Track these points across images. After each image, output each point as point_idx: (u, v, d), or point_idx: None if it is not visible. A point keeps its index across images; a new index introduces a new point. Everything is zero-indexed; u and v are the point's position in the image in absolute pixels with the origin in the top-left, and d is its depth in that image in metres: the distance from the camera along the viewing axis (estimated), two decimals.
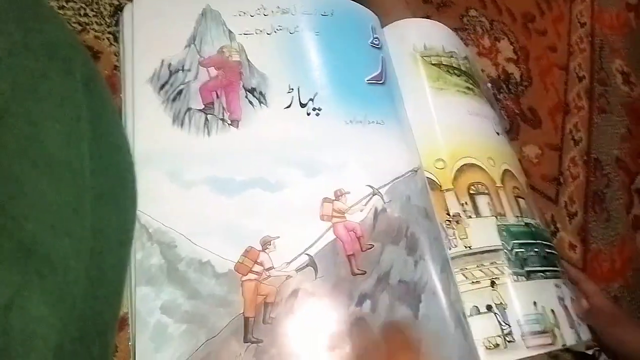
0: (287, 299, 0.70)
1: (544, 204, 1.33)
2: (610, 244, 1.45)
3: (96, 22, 0.84)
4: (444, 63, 0.96)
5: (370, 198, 0.78)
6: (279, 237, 0.72)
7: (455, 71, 0.96)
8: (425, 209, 0.81)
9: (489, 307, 0.78)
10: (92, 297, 0.48)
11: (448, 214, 0.83)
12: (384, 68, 0.88)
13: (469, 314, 0.77)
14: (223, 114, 0.77)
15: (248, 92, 0.79)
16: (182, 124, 0.75)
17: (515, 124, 1.35)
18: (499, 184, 0.88)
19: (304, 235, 0.74)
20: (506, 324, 0.77)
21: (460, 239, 0.81)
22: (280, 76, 0.81)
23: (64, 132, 0.49)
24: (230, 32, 0.81)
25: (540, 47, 1.56)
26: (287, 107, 0.79)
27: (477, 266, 0.80)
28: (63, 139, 0.49)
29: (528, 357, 0.78)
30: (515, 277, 0.81)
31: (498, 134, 0.96)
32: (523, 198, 0.92)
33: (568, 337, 0.83)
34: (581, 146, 1.51)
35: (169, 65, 0.78)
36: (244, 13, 0.83)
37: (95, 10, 0.84)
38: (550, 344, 0.80)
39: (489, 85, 1.31)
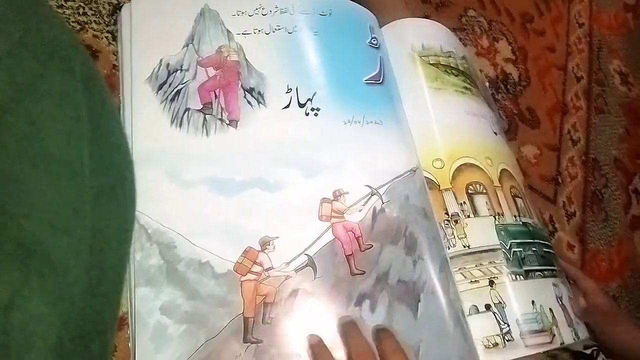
0: (287, 299, 0.70)
1: (542, 204, 1.33)
2: (608, 244, 1.45)
3: (95, 21, 0.84)
4: (442, 63, 0.96)
5: (369, 198, 0.78)
6: (278, 237, 0.72)
7: (453, 71, 0.96)
8: (423, 209, 0.81)
9: (487, 307, 0.78)
10: (92, 296, 0.48)
11: (446, 214, 0.83)
12: (382, 68, 0.88)
13: (467, 313, 0.77)
14: (221, 114, 0.77)
15: (246, 92, 0.79)
16: (180, 124, 0.75)
17: (514, 124, 1.35)
18: (496, 183, 0.89)
19: (303, 235, 0.74)
20: (505, 323, 0.78)
21: (459, 238, 0.82)
22: (279, 76, 0.81)
23: (63, 131, 0.49)
24: (228, 31, 0.81)
25: (539, 47, 1.56)
26: (286, 107, 0.79)
27: (476, 265, 0.80)
28: (63, 138, 0.49)
29: (527, 356, 0.78)
30: (513, 276, 0.81)
31: (496, 133, 0.97)
32: (521, 197, 0.92)
33: (566, 335, 0.83)
34: (579, 146, 1.50)
35: (168, 65, 0.78)
36: (243, 13, 0.83)
37: (94, 9, 0.84)
38: (549, 343, 0.80)
39: (487, 84, 1.31)
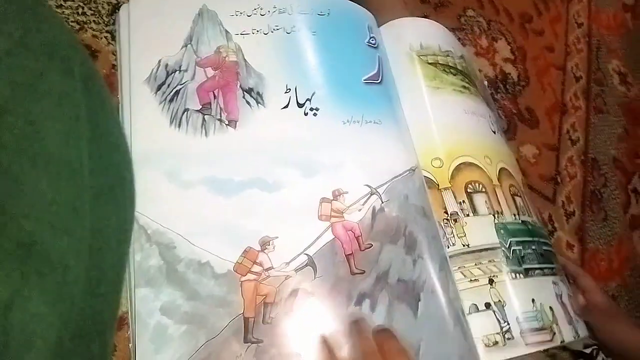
0: (287, 298, 0.70)
1: (542, 203, 1.33)
2: (608, 243, 1.45)
3: (94, 20, 0.84)
4: (440, 62, 0.96)
5: (369, 197, 0.78)
6: (277, 237, 0.72)
7: (452, 70, 0.96)
8: (423, 208, 0.81)
9: (487, 305, 0.78)
10: (91, 296, 0.48)
11: (446, 213, 0.83)
12: (381, 67, 0.88)
13: (467, 312, 0.77)
14: (220, 114, 0.77)
15: (245, 93, 0.79)
16: (179, 125, 0.75)
17: (513, 123, 1.35)
18: (495, 182, 0.89)
19: (303, 235, 0.74)
20: (505, 321, 0.78)
21: (459, 237, 0.82)
22: (278, 76, 0.80)
23: (63, 131, 0.49)
24: (227, 32, 0.81)
25: (538, 47, 1.56)
26: (285, 107, 0.79)
27: (476, 264, 0.80)
28: (62, 138, 0.49)
29: (526, 355, 0.78)
30: (513, 274, 0.82)
31: (494, 132, 0.97)
32: (520, 196, 0.92)
33: (566, 333, 0.83)
34: (578, 146, 1.51)
35: (166, 65, 0.78)
36: (241, 13, 0.83)
37: (93, 9, 0.84)
38: (549, 341, 0.80)
39: (486, 83, 1.31)
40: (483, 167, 0.88)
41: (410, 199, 0.80)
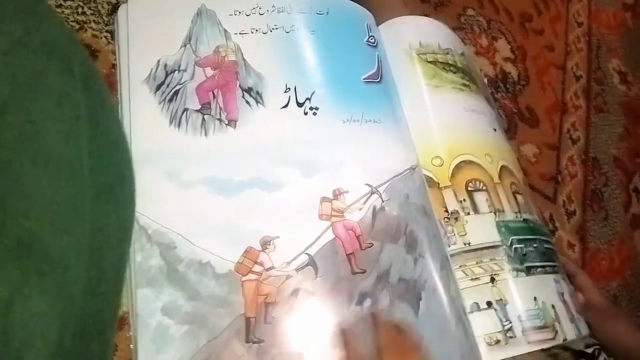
0: (288, 298, 0.70)
1: (542, 202, 1.33)
2: (609, 242, 1.45)
3: (94, 20, 0.84)
4: (440, 60, 0.96)
5: (369, 197, 0.77)
6: (278, 237, 0.72)
7: (452, 68, 0.96)
8: (423, 207, 0.81)
9: (489, 304, 0.78)
10: (92, 295, 0.48)
11: (446, 211, 0.83)
12: (380, 66, 0.88)
13: (469, 311, 0.77)
14: (220, 114, 0.77)
15: (245, 92, 0.78)
16: (179, 125, 0.75)
17: (513, 123, 1.36)
18: (496, 180, 0.89)
19: (303, 234, 0.74)
20: (507, 319, 0.78)
21: (460, 235, 0.82)
22: (277, 75, 0.80)
23: (63, 130, 0.49)
24: (226, 31, 0.81)
25: (538, 46, 1.56)
26: (284, 107, 0.79)
27: (477, 263, 0.80)
28: (62, 137, 0.49)
29: (528, 355, 0.78)
30: (515, 273, 0.81)
31: (495, 130, 0.96)
32: (521, 194, 0.92)
33: (569, 331, 0.83)
34: (579, 145, 1.51)
35: (165, 65, 0.77)
36: (240, 12, 0.82)
37: (93, 8, 0.84)
38: (552, 339, 0.80)
39: (485, 81, 1.31)
40: (484, 165, 0.88)
41: (410, 198, 0.80)
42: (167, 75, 0.77)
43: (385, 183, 0.79)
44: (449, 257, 0.80)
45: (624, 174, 1.58)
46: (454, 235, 0.81)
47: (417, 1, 1.31)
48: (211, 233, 0.71)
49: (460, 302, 0.77)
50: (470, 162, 0.87)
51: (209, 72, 0.79)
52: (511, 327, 0.77)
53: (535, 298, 0.81)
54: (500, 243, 0.83)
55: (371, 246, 0.75)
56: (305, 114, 0.79)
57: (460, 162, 0.86)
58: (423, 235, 0.78)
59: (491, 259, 0.81)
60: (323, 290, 0.71)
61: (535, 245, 0.87)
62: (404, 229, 0.77)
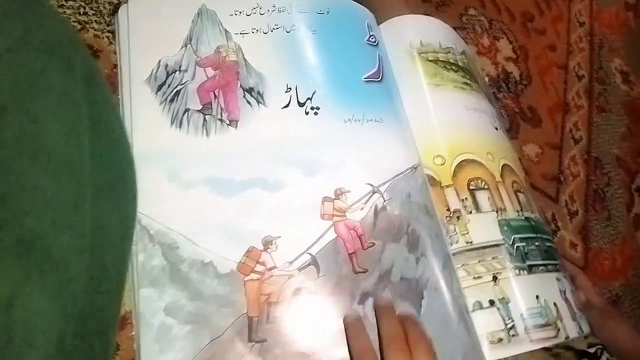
0: (290, 298, 0.70)
1: (545, 202, 1.33)
2: (611, 242, 1.45)
3: (95, 20, 0.84)
4: (440, 59, 0.95)
5: (371, 196, 0.77)
6: (280, 236, 0.72)
7: (453, 67, 0.96)
8: (425, 206, 0.81)
9: (491, 302, 0.78)
10: (93, 293, 0.48)
11: (448, 210, 0.83)
12: (381, 66, 0.88)
13: (471, 309, 0.77)
14: (221, 114, 0.77)
15: (246, 92, 0.78)
16: (180, 125, 0.75)
17: (515, 123, 1.35)
18: (498, 179, 0.89)
19: (305, 234, 0.74)
20: (509, 318, 0.78)
21: (462, 234, 0.82)
22: (278, 75, 0.80)
23: (64, 128, 0.50)
24: (226, 31, 0.81)
25: (540, 46, 1.56)
26: (285, 107, 0.79)
27: (479, 261, 0.80)
28: (63, 136, 0.49)
29: (530, 354, 0.78)
30: (517, 271, 0.81)
31: (496, 128, 0.96)
32: (522, 192, 0.92)
33: (571, 329, 0.83)
34: (581, 145, 1.51)
35: (166, 65, 0.78)
36: (240, 12, 0.82)
37: (94, 9, 0.85)
38: (554, 337, 0.80)
39: (486, 80, 1.31)
40: (485, 164, 0.88)
41: (412, 197, 0.80)
42: (168, 75, 0.77)
43: (386, 182, 0.79)
44: (451, 256, 0.80)
45: (626, 173, 1.58)
46: (456, 234, 0.81)
47: (419, 1, 1.31)
48: (213, 233, 0.71)
49: (462, 300, 0.77)
50: (472, 161, 0.87)
51: (210, 72, 0.79)
52: (514, 325, 0.77)
53: (537, 296, 0.81)
54: (502, 242, 0.83)
55: (373, 245, 0.75)
56: (307, 113, 0.79)
57: (462, 160, 0.86)
58: (425, 234, 0.78)
59: (493, 258, 0.81)
60: (325, 290, 0.71)
61: (536, 243, 0.87)
62: (405, 228, 0.77)
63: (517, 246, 0.83)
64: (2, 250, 0.41)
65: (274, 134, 0.77)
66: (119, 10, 0.80)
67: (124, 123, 0.74)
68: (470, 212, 0.83)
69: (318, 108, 0.79)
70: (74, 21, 0.82)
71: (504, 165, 0.91)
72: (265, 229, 0.72)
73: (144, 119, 0.75)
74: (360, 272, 0.73)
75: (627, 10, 1.91)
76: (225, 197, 0.73)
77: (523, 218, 0.88)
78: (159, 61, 0.78)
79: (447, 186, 0.84)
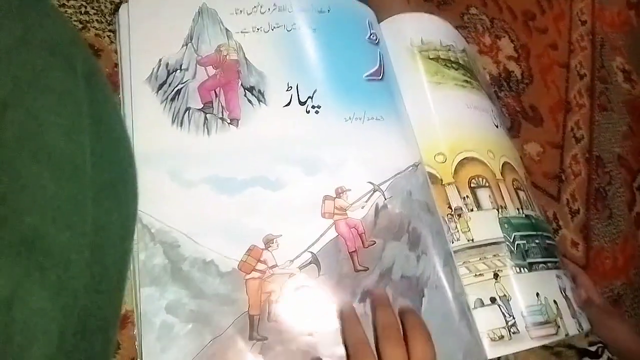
0: (291, 296, 0.70)
1: (546, 201, 1.33)
2: (613, 241, 1.44)
3: (97, 20, 0.84)
4: (441, 57, 0.95)
5: (371, 194, 0.78)
6: (281, 235, 0.72)
7: (453, 65, 0.96)
8: (426, 204, 0.81)
9: (492, 299, 0.78)
10: (94, 291, 0.48)
11: (450, 208, 0.83)
12: (382, 64, 0.88)
13: (473, 307, 0.77)
14: (222, 113, 0.77)
15: (247, 91, 0.78)
16: (181, 124, 0.75)
17: (517, 121, 1.35)
18: (499, 176, 0.89)
19: (306, 233, 0.74)
20: (510, 315, 0.78)
21: (463, 232, 0.82)
22: (279, 74, 0.80)
23: (65, 126, 0.50)
24: (227, 30, 0.81)
25: (541, 45, 1.55)
26: (286, 105, 0.79)
27: (480, 259, 0.80)
28: (64, 134, 0.49)
29: (531, 352, 0.78)
30: (517, 269, 0.81)
31: (497, 126, 0.96)
32: (523, 190, 0.92)
33: (570, 327, 0.83)
34: (583, 144, 1.50)
35: (167, 64, 0.78)
36: (241, 11, 0.82)
37: (95, 8, 0.85)
38: (554, 335, 0.80)
39: (487, 78, 1.31)
40: (486, 162, 0.88)
41: (413, 195, 0.80)
42: (168, 74, 0.77)
43: (387, 180, 0.79)
44: (452, 253, 0.80)
45: (628, 172, 1.58)
46: (458, 231, 0.82)
47: (420, 0, 1.30)
48: (214, 232, 0.71)
49: (463, 298, 0.77)
50: (473, 159, 0.87)
51: (211, 71, 0.79)
52: (514, 322, 0.78)
53: (537, 294, 0.81)
54: (503, 239, 0.83)
55: (374, 244, 0.75)
56: (308, 112, 0.79)
57: (463, 158, 0.86)
58: (426, 232, 0.78)
59: (494, 255, 0.81)
60: (326, 288, 0.72)
61: (537, 241, 0.87)
62: (406, 226, 0.77)
63: (517, 244, 0.83)
64: (2, 249, 0.42)
65: (274, 133, 0.77)
66: (120, 10, 0.80)
67: (125, 122, 0.74)
68: (472, 210, 0.83)
69: (319, 106, 0.79)
70: (75, 20, 0.82)
71: (504, 163, 0.91)
72: (267, 227, 0.72)
73: (145, 118, 0.75)
74: (361, 271, 0.73)
75: (629, 9, 1.90)
76: (226, 195, 0.73)
77: (523, 216, 0.88)
78: (160, 60, 0.78)
79: (449, 184, 0.84)
